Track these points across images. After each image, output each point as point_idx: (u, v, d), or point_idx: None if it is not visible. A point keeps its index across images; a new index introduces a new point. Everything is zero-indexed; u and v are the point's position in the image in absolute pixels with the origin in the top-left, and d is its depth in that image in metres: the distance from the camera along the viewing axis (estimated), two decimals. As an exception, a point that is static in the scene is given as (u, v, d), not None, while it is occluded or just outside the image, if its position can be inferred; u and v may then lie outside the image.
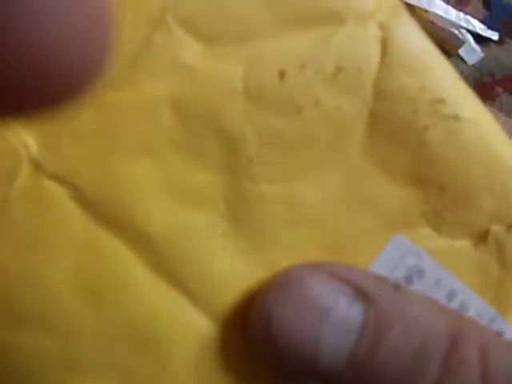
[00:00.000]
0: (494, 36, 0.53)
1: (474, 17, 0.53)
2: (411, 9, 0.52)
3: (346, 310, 0.15)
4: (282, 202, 0.15)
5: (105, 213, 0.14)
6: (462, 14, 0.52)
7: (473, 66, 0.53)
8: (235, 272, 0.15)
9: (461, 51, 0.53)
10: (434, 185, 0.16)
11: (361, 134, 0.15)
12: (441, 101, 0.15)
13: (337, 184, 0.15)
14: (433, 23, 0.52)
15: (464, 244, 0.16)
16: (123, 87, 0.14)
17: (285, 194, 0.15)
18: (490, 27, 0.53)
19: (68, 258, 0.14)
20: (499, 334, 0.16)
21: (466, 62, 0.53)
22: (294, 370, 0.15)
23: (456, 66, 0.58)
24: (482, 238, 0.16)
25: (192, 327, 0.15)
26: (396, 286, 0.15)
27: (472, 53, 0.53)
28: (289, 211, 0.15)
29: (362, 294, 0.15)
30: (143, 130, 0.14)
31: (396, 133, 0.15)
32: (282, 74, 0.15)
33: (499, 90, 0.54)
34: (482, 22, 0.53)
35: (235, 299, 0.15)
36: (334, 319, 0.14)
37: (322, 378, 0.15)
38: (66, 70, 0.07)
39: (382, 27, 0.15)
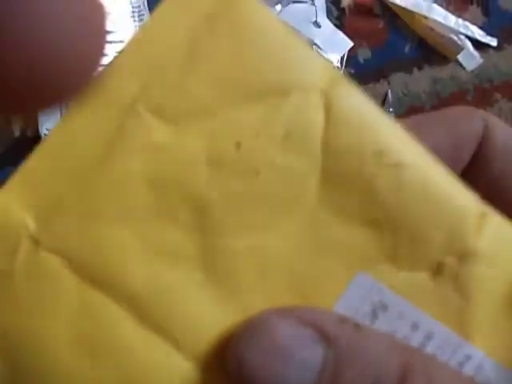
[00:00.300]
0: (493, 42, 0.54)
1: (473, 23, 0.53)
2: (411, 15, 0.53)
3: (308, 352, 0.16)
4: (250, 254, 0.17)
5: (96, 277, 0.16)
6: (461, 21, 0.53)
7: (471, 72, 0.53)
8: (214, 319, 0.17)
9: (460, 57, 0.53)
10: (388, 226, 0.17)
11: (315, 186, 0.17)
12: (383, 151, 0.17)
13: (298, 233, 0.17)
14: (432, 29, 0.53)
15: (422, 276, 0.17)
16: (101, 168, 0.16)
17: (252, 246, 0.17)
18: (488, 33, 0.54)
19: (67, 320, 0.16)
20: (466, 359, 0.18)
21: (464, 68, 0.53)
22: None
23: (455, 72, 0.58)
24: (437, 270, 0.17)
25: (178, 372, 0.17)
26: (356, 326, 0.17)
27: (471, 59, 0.53)
28: (257, 261, 0.17)
29: (323, 335, 0.16)
30: (123, 201, 0.16)
31: (347, 183, 0.17)
32: (238, 144, 0.17)
33: (498, 95, 0.54)
34: (481, 28, 0.53)
35: (215, 344, 0.17)
36: (297, 361, 0.16)
37: None
38: (63, 70, 0.07)
39: (324, 94, 0.17)
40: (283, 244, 0.17)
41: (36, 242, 0.16)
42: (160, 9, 0.17)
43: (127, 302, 0.16)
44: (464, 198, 0.17)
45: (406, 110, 0.53)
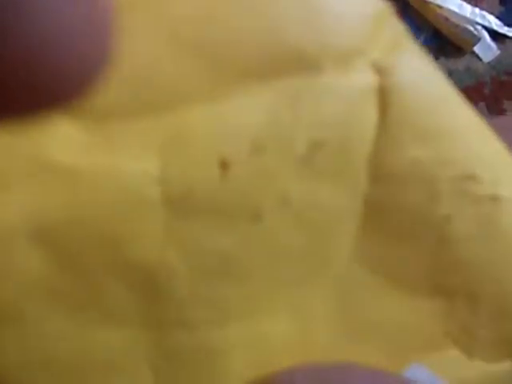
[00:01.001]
0: (511, 32, 0.52)
1: (490, 12, 0.52)
2: (424, 4, 0.52)
3: None
4: (238, 347, 0.10)
5: None
6: (477, 10, 0.52)
7: (488, 63, 0.52)
8: None
9: (476, 48, 0.52)
10: (461, 294, 0.11)
11: (352, 233, 0.10)
12: (471, 177, 0.10)
13: (320, 308, 0.11)
14: (447, 19, 0.52)
15: (504, 367, 0.12)
16: None
17: (241, 337, 0.10)
18: (506, 23, 0.52)
19: None
20: None
21: (481, 60, 0.52)
22: None
23: (471, 64, 0.57)
24: None
25: None
26: None
27: (488, 50, 0.52)
28: (248, 358, 0.10)
29: None
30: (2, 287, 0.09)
31: (404, 227, 0.11)
32: (224, 165, 0.09)
33: (516, 88, 0.53)
34: (498, 18, 0.52)
35: None
36: None
37: None
38: (64, 71, 0.07)
39: (379, 69, 0.10)
40: (295, 327, 0.11)
41: None
42: None
43: None
44: None
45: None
